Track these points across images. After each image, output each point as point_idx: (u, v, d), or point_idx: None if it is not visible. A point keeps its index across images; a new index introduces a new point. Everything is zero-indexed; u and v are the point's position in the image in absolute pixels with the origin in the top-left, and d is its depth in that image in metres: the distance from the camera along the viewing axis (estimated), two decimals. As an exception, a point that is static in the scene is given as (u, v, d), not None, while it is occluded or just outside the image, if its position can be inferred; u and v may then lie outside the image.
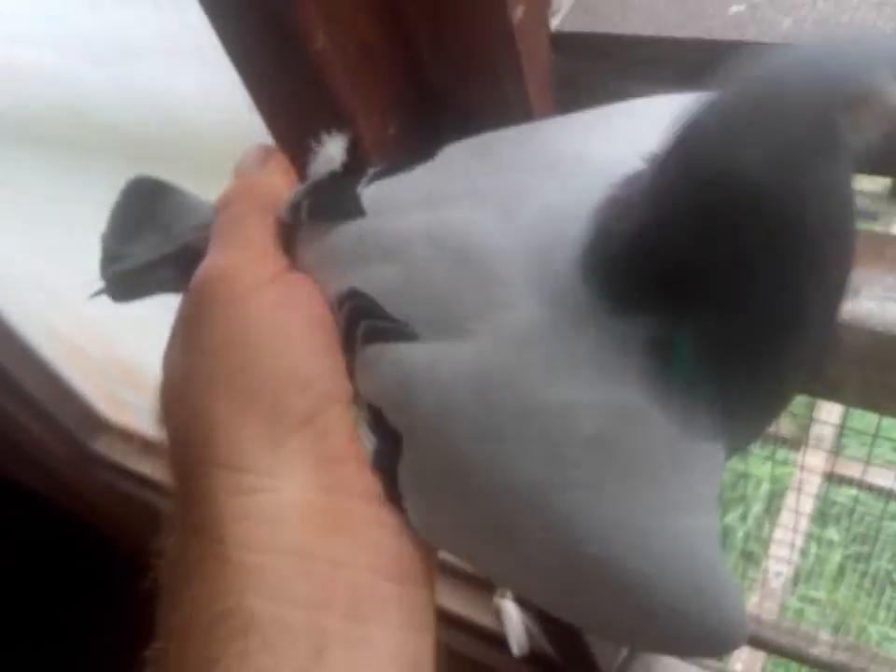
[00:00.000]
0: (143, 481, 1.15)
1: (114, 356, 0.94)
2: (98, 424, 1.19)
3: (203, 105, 0.45)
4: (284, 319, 0.26)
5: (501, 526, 0.23)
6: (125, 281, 0.34)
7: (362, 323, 0.25)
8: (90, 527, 1.38)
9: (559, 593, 0.23)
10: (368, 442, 0.26)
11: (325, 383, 0.26)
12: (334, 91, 0.31)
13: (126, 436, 1.17)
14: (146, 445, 1.14)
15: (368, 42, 0.32)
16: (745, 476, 1.52)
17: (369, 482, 0.26)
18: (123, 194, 0.35)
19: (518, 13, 0.31)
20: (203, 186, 0.50)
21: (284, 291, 0.27)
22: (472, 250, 0.23)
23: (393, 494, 0.25)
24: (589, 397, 0.20)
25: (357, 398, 0.26)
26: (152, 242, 0.34)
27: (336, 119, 0.33)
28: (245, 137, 0.41)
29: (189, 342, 0.27)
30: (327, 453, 0.26)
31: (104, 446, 1.19)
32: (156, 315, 0.79)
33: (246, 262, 0.27)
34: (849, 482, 1.36)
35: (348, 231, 0.27)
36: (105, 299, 0.44)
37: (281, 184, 0.30)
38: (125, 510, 1.25)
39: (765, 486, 1.51)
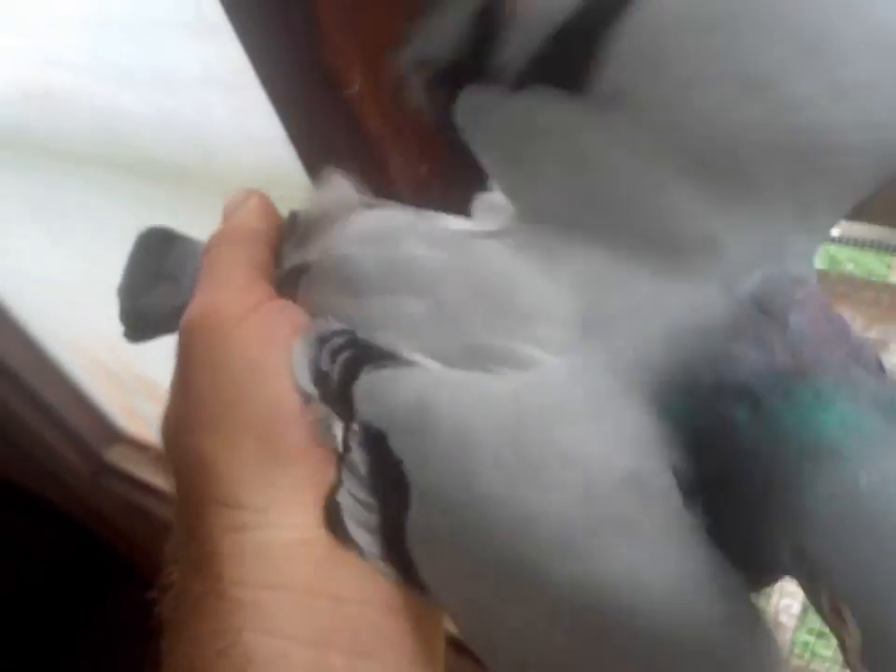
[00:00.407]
0: (156, 492, 1.15)
1: (133, 367, 0.95)
2: (113, 434, 1.20)
3: (237, 135, 0.46)
4: (265, 351, 0.26)
5: (519, 574, 0.22)
6: (142, 330, 0.37)
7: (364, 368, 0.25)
8: (100, 538, 1.39)
9: (581, 647, 0.23)
10: (358, 459, 0.25)
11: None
12: (368, 131, 0.32)
13: (141, 447, 1.17)
14: (160, 457, 1.15)
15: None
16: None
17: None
18: (135, 247, 0.36)
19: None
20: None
21: (263, 322, 0.27)
22: (512, 294, 0.24)
23: (396, 537, 0.24)
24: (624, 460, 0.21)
25: (347, 414, 0.25)
26: (163, 293, 0.35)
27: (369, 158, 0.34)
28: (277, 168, 0.43)
29: (181, 383, 0.27)
30: (325, 486, 0.25)
31: (118, 457, 1.20)
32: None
33: (224, 300, 0.27)
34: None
35: (374, 259, 0.27)
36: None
37: (258, 221, 0.30)
38: (137, 521, 1.25)
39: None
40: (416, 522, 0.24)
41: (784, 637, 1.15)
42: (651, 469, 0.21)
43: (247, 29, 0.32)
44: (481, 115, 0.23)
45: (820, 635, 1.29)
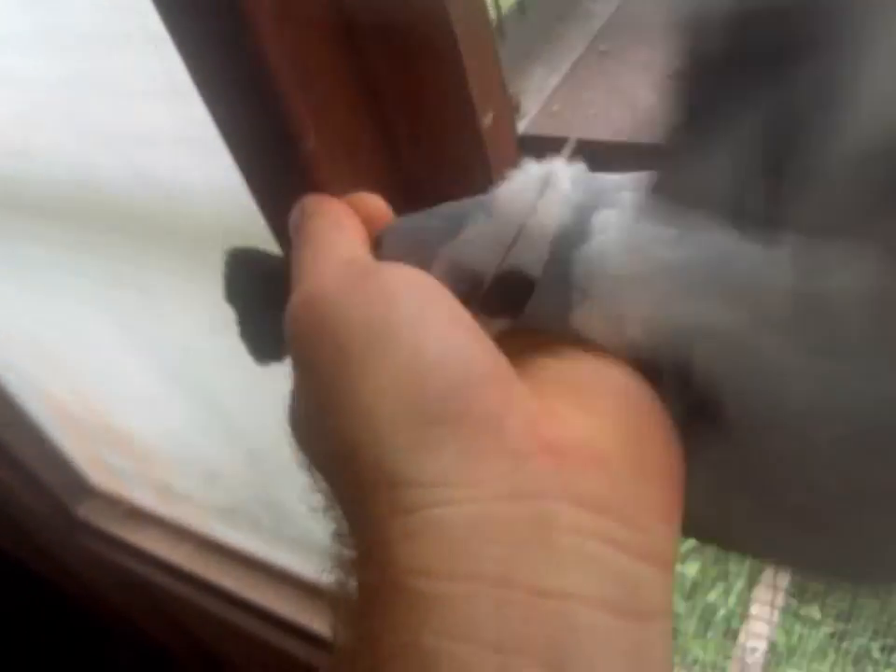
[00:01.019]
0: (129, 548, 1.15)
1: (106, 421, 0.96)
2: (84, 488, 1.20)
3: (207, 191, 0.49)
4: (390, 306, 0.22)
5: None
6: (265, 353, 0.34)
7: None
8: (70, 596, 1.37)
9: None
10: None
11: (468, 361, 0.21)
12: (321, 184, 0.35)
13: (112, 502, 1.18)
14: (132, 512, 1.15)
15: (354, 143, 0.36)
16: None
17: (576, 476, 0.21)
18: (226, 277, 0.34)
19: (487, 119, 0.35)
20: (206, 262, 0.54)
21: (382, 281, 0.23)
22: None
23: None
24: None
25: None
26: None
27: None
28: (243, 220, 0.46)
29: (303, 373, 0.24)
30: (505, 445, 0.21)
31: (89, 512, 1.20)
32: (150, 384, 0.82)
33: (332, 272, 0.24)
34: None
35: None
36: (98, 367, 0.45)
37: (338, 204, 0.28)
38: (107, 578, 1.24)
39: (748, 562, 1.53)
40: None
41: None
42: None
43: (212, 94, 0.35)
44: None
45: (789, 678, 1.30)
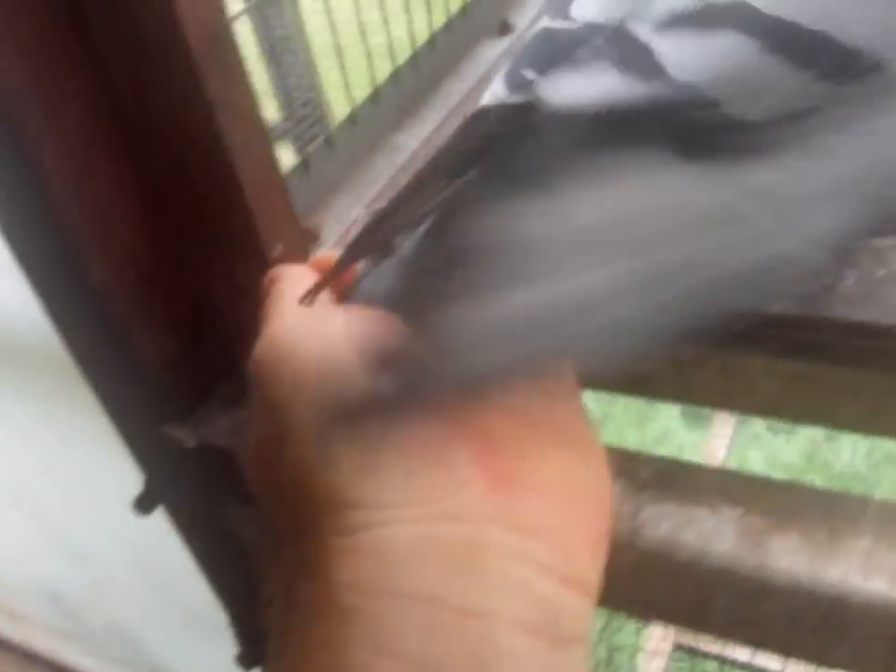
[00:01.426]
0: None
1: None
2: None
3: (24, 316, 0.49)
4: (345, 346, 0.24)
5: None
6: None
7: None
8: None
9: None
10: None
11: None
12: (114, 315, 0.36)
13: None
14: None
15: (147, 268, 0.37)
16: (618, 650, 1.54)
17: (513, 502, 0.22)
18: None
19: (277, 250, 0.37)
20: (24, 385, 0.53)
21: (340, 322, 0.26)
22: None
23: None
24: None
25: None
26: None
27: (116, 339, 0.38)
28: (55, 345, 0.46)
29: (263, 408, 0.25)
30: (449, 471, 0.22)
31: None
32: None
33: (293, 319, 0.26)
34: (710, 656, 1.40)
35: None
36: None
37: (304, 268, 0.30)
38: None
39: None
40: None
41: None
42: None
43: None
44: None
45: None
